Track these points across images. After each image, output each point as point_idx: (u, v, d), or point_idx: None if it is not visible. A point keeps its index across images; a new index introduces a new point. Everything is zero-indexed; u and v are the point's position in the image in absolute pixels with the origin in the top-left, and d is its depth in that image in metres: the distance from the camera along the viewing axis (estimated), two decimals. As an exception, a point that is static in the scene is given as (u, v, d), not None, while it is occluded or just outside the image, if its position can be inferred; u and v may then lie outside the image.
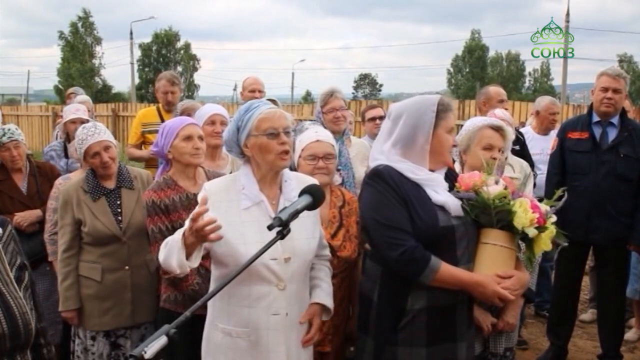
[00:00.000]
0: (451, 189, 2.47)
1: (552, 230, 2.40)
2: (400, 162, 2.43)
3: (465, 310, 2.46)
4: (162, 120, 5.40)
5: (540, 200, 2.48)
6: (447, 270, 2.33)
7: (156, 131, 5.37)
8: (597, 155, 4.34)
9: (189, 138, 3.10)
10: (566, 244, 2.52)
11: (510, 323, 3.05)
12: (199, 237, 2.08)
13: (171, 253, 2.18)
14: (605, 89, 4.34)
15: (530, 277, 3.13)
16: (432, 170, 2.45)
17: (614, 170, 4.26)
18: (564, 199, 2.47)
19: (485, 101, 5.05)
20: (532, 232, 2.34)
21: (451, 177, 2.54)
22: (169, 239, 2.26)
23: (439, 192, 2.41)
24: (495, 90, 5.17)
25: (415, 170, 2.41)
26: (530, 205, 2.35)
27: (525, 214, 2.33)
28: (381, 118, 4.98)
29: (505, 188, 2.40)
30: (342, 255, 2.93)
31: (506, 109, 5.09)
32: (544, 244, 2.39)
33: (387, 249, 2.37)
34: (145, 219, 3.10)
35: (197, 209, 2.06)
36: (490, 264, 2.38)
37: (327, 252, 2.69)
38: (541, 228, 2.36)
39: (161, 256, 2.24)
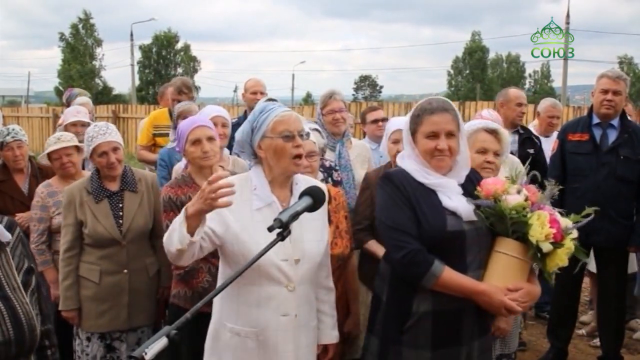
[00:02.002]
0: (472, 192, 2.43)
1: (569, 247, 2.32)
2: (415, 164, 2.45)
3: (473, 315, 2.40)
4: (174, 124, 5.41)
5: (567, 214, 2.41)
6: (450, 276, 2.31)
7: (166, 134, 5.44)
8: (597, 157, 4.34)
9: (197, 142, 3.10)
10: (587, 259, 2.46)
11: (502, 328, 3.00)
12: (209, 201, 2.05)
13: (173, 229, 2.18)
14: (605, 91, 4.34)
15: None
16: (444, 175, 2.44)
17: (614, 172, 4.26)
18: (590, 217, 2.39)
19: (504, 103, 5.03)
20: (546, 247, 2.28)
21: (474, 180, 2.50)
22: (173, 221, 2.25)
23: (451, 198, 2.39)
24: (515, 93, 5.12)
25: (426, 175, 2.42)
26: (548, 219, 2.29)
27: (541, 228, 2.26)
28: (383, 120, 4.94)
29: (526, 199, 2.34)
30: (334, 252, 2.88)
31: (523, 113, 5.08)
32: (560, 259, 2.31)
33: (392, 250, 2.41)
34: (152, 219, 3.10)
35: (217, 174, 2.08)
36: (502, 274, 2.34)
37: (331, 282, 2.67)
38: (557, 244, 2.29)
39: (165, 237, 2.23)
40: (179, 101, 5.38)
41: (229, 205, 2.10)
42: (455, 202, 2.38)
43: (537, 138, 5.09)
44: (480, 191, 2.40)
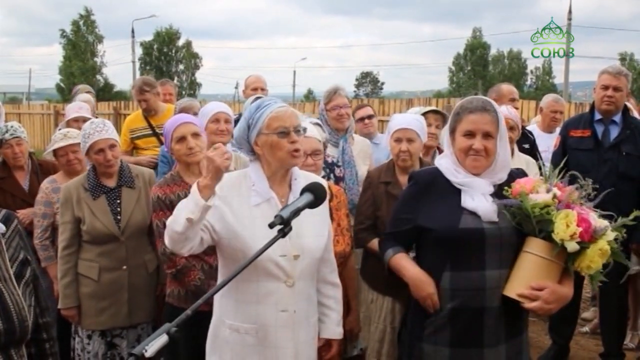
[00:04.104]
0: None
1: (602, 247, 2.24)
2: (449, 163, 2.49)
3: (497, 316, 2.38)
4: (149, 124, 5.41)
5: (611, 217, 2.35)
6: (397, 260, 2.55)
7: (144, 136, 5.45)
8: (599, 154, 4.32)
9: (181, 139, 3.09)
10: (637, 268, 2.39)
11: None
12: (218, 164, 2.12)
13: (180, 208, 2.18)
14: (606, 87, 4.32)
15: None
16: (476, 174, 2.44)
17: (616, 169, 4.24)
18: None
19: (497, 98, 5.01)
20: (572, 246, 2.23)
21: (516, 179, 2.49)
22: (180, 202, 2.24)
23: (474, 198, 2.40)
24: (508, 88, 5.14)
25: (455, 174, 2.45)
26: (576, 217, 2.23)
27: (566, 226, 2.22)
28: (370, 117, 4.93)
29: (554, 197, 2.30)
30: (335, 250, 2.87)
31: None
32: (591, 260, 2.25)
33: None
34: (150, 215, 3.13)
35: (211, 150, 2.16)
36: (528, 273, 2.32)
37: (337, 278, 2.66)
38: (584, 243, 2.24)
39: (169, 220, 2.22)
40: (145, 101, 5.40)
41: (227, 166, 2.15)
42: (477, 202, 2.39)
43: (530, 132, 5.08)
44: (509, 190, 2.39)
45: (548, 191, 2.33)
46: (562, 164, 2.50)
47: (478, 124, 2.39)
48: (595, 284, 2.37)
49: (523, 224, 2.35)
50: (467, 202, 2.40)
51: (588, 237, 2.24)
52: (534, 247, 2.33)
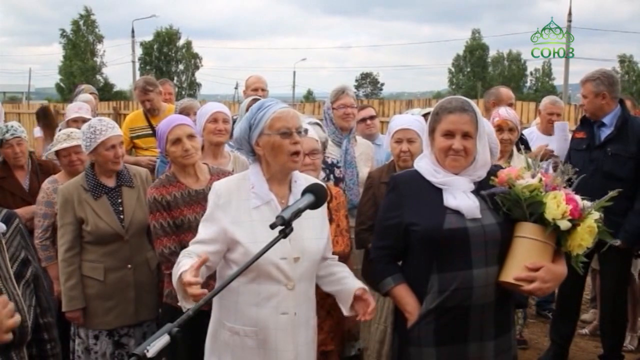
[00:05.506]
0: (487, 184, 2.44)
1: (590, 224, 2.29)
2: (428, 164, 2.49)
3: (483, 312, 2.38)
4: (150, 124, 5.39)
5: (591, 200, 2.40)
6: (398, 291, 2.49)
7: (144, 136, 5.43)
8: (589, 154, 4.40)
9: (177, 141, 3.10)
10: (617, 242, 2.44)
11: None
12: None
13: (176, 282, 2.18)
14: (582, 96, 4.52)
15: None
16: (455, 174, 2.45)
17: (601, 169, 4.28)
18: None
19: (496, 102, 5.04)
20: (564, 224, 2.27)
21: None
22: (180, 261, 2.23)
23: (455, 196, 2.40)
24: (507, 92, 5.18)
25: (435, 174, 2.45)
26: (564, 197, 2.29)
27: (557, 206, 2.26)
28: (372, 118, 4.93)
29: (540, 181, 2.35)
30: (335, 250, 2.90)
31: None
32: (582, 238, 2.30)
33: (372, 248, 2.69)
34: (147, 216, 3.11)
35: (189, 278, 2.02)
36: (522, 257, 2.34)
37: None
38: (575, 221, 2.29)
39: (173, 275, 2.24)
40: (149, 100, 5.37)
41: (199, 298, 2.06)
42: (459, 200, 2.39)
43: (522, 135, 5.10)
44: (495, 179, 2.42)
45: (533, 177, 2.37)
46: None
47: (457, 124, 2.40)
48: (579, 267, 2.39)
49: (513, 210, 2.36)
50: (449, 200, 2.40)
51: (577, 214, 2.29)
52: (526, 231, 2.34)
